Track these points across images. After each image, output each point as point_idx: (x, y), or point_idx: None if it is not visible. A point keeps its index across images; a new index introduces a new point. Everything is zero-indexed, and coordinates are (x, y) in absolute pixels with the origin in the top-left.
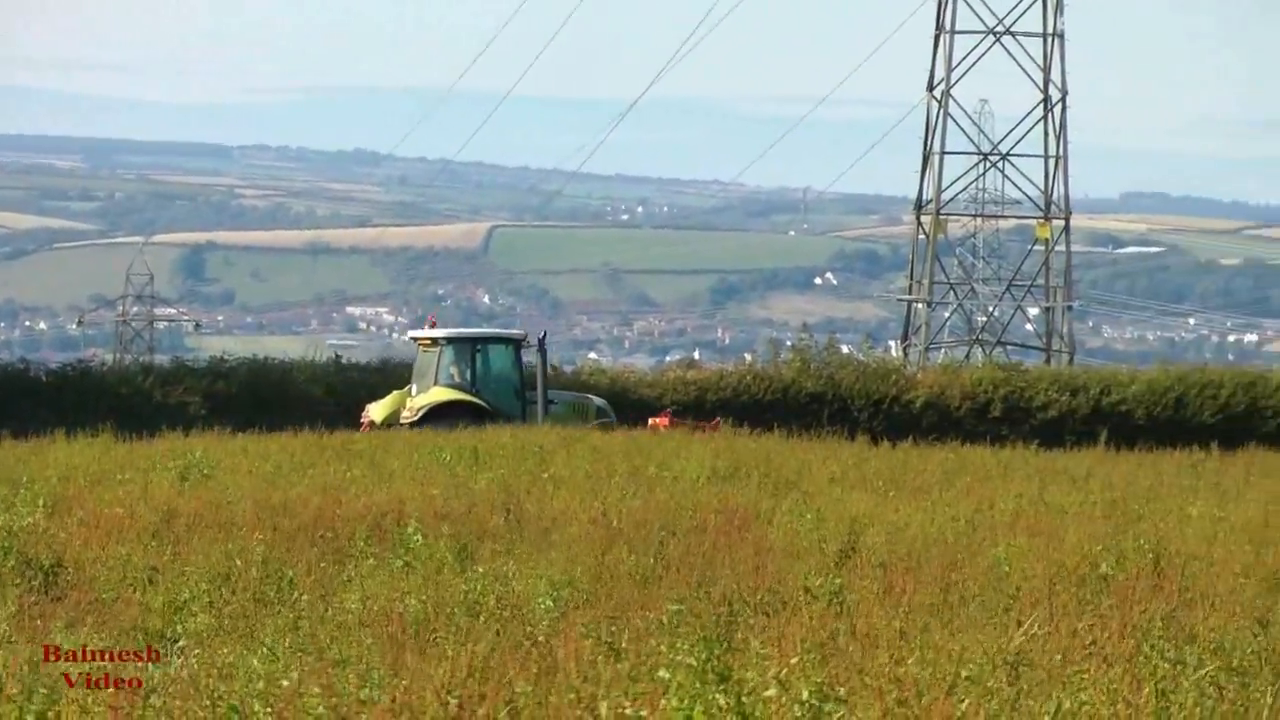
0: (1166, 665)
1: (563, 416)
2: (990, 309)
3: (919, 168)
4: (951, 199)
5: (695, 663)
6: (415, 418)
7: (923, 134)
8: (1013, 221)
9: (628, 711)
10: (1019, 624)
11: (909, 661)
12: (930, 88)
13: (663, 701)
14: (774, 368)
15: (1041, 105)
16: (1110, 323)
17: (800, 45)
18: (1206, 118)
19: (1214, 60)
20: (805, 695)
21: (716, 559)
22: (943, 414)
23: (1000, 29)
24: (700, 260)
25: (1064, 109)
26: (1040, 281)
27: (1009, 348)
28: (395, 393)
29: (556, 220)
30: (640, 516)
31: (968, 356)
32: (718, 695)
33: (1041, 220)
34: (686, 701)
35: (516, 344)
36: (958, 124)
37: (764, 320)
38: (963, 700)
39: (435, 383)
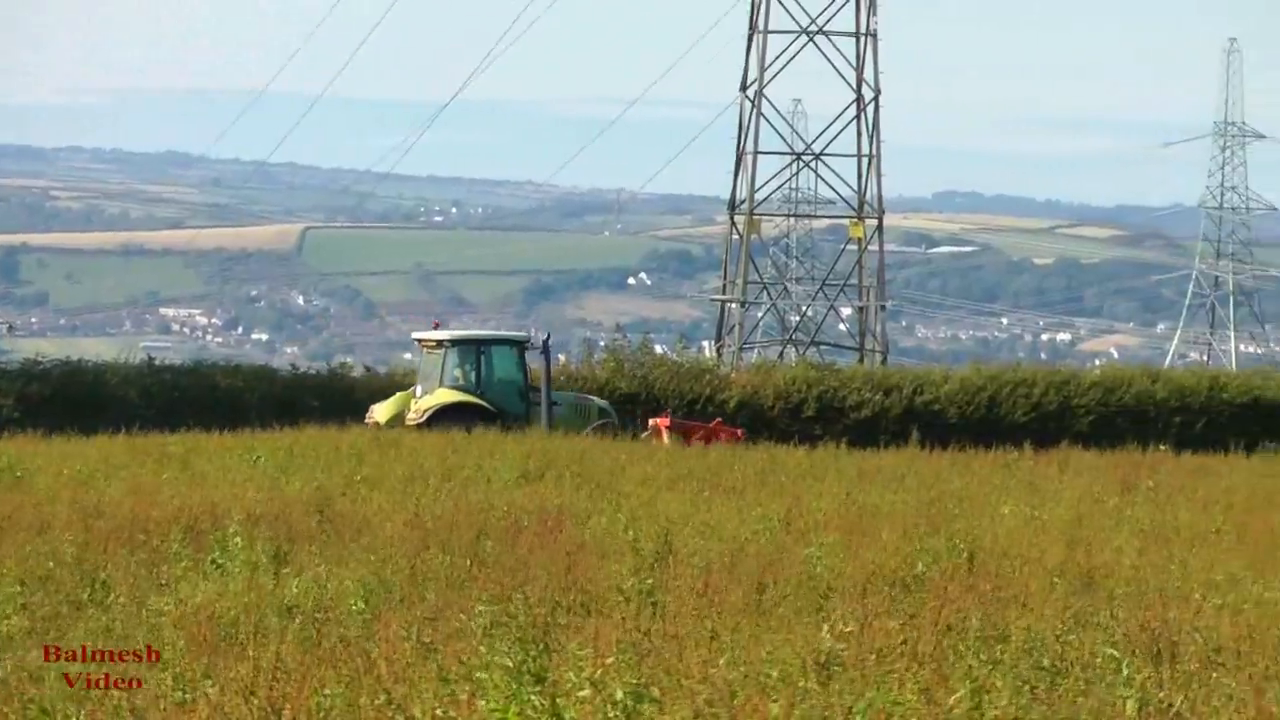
0: (979, 665)
1: (565, 417)
2: (804, 309)
3: (732, 168)
4: (765, 199)
5: (510, 664)
6: (421, 419)
7: (736, 134)
8: (826, 221)
9: (441, 713)
10: (831, 624)
11: (721, 662)
12: (743, 88)
13: (478, 703)
14: (588, 368)
15: (854, 105)
16: (924, 322)
17: (613, 46)
18: (1019, 116)
19: (1027, 59)
20: (619, 696)
21: (531, 560)
22: (756, 414)
23: (813, 29)
24: (514, 261)
25: (877, 108)
26: (854, 281)
27: (822, 347)
28: (400, 394)
29: (370, 222)
30: (454, 518)
31: (781, 356)
32: (533, 696)
33: (855, 220)
34: (501, 703)
35: (520, 346)
36: (771, 124)
37: (578, 321)
38: (774, 700)
39: (440, 384)
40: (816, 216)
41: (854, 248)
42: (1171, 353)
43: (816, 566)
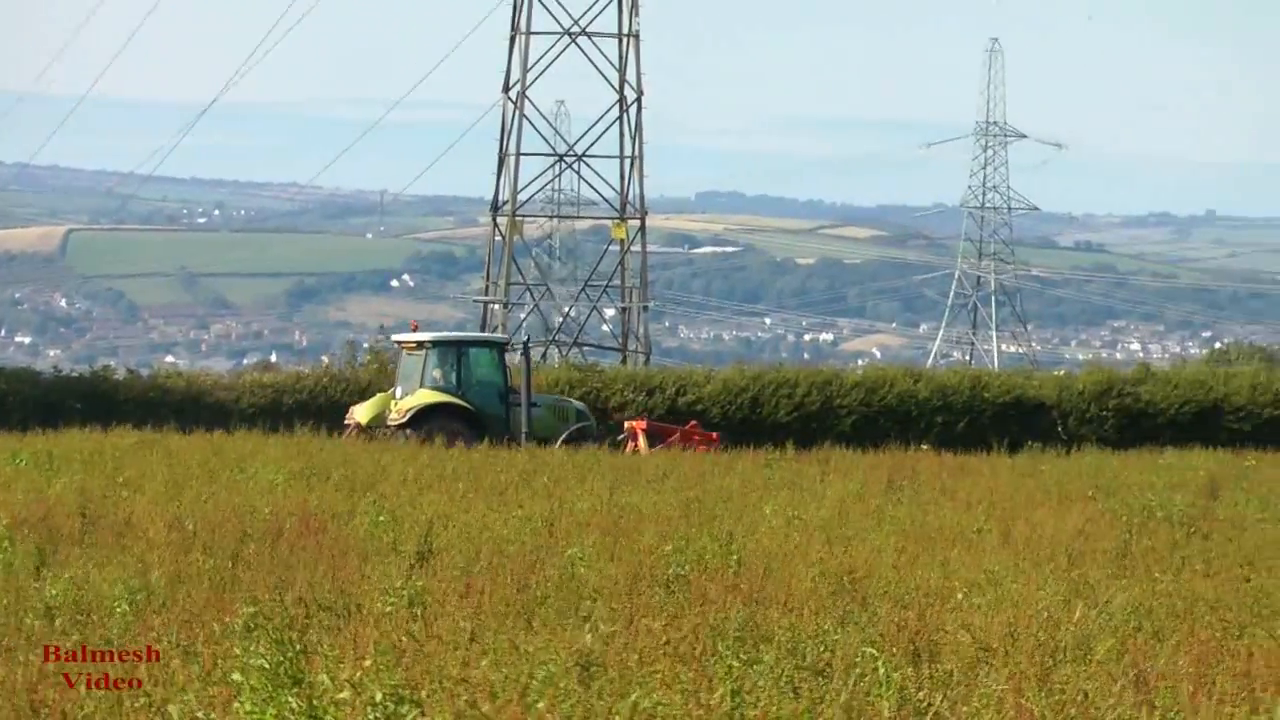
0: (740, 665)
1: (543, 419)
2: (567, 309)
3: (495, 169)
4: (528, 200)
5: (268, 665)
6: (403, 420)
7: (499, 135)
8: (589, 222)
9: (200, 714)
10: (593, 625)
11: (483, 663)
12: (506, 89)
13: (235, 704)
14: (351, 370)
15: (617, 106)
16: (687, 323)
17: (376, 48)
18: (781, 116)
19: (789, 60)
20: (379, 698)
21: (293, 561)
22: None
23: (576, 30)
24: (278, 263)
25: (639, 109)
26: (616, 282)
27: (585, 348)
28: (379, 395)
29: (133, 224)
30: (217, 519)
31: (544, 357)
32: (290, 698)
33: (617, 221)
34: (259, 705)
35: (500, 348)
36: (534, 125)
37: (341, 322)
38: (536, 701)
39: (420, 385)
40: (579, 217)
41: (616, 248)
42: (934, 352)
43: (579, 567)
